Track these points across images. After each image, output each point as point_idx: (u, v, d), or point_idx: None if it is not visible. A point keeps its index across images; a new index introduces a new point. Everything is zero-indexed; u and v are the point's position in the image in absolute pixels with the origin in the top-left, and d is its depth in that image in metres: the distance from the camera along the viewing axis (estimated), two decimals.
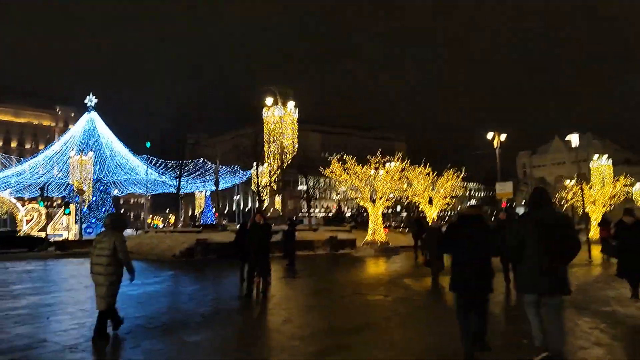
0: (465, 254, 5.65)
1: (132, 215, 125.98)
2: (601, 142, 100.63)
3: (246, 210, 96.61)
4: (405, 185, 25.76)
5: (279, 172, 34.80)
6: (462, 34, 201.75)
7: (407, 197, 27.55)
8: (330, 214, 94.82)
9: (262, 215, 10.14)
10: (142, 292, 11.71)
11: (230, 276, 15.05)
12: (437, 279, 12.19)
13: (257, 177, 32.66)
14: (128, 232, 57.33)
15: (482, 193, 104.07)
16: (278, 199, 72.84)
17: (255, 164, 32.43)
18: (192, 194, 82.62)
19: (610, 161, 58.78)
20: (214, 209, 75.90)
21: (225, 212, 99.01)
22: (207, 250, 20.66)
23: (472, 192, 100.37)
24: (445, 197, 30.50)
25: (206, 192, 73.05)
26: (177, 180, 55.32)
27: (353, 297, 10.28)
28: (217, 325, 7.96)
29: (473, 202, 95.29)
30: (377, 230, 23.61)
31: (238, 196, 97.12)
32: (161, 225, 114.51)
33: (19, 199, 56.02)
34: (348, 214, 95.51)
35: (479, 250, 5.61)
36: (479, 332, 5.64)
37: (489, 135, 41.92)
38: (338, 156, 24.02)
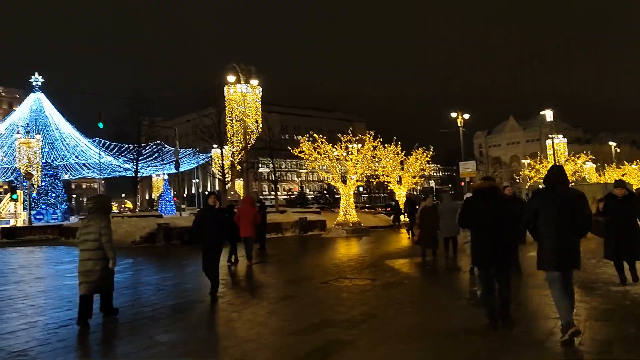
0: (482, 228, 5.64)
1: (84, 200, 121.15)
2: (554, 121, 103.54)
3: (206, 193, 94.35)
4: (375, 165, 25.18)
5: (242, 153, 33.47)
6: None
7: (377, 177, 26.94)
8: (292, 196, 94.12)
9: (216, 198, 9.18)
10: None
11: (198, 263, 14.04)
12: (432, 259, 12.08)
13: (222, 158, 31.22)
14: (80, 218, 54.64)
15: (441, 173, 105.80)
16: (239, 181, 71.37)
17: (218, 145, 31.02)
18: (149, 178, 79.92)
19: (565, 140, 60.86)
20: (172, 193, 73.64)
21: (184, 195, 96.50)
22: (169, 235, 19.43)
23: (432, 172, 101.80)
24: (414, 177, 30.20)
25: (164, 175, 70.65)
26: (134, 163, 53.00)
27: (339, 282, 9.48)
28: (192, 321, 7.02)
29: (432, 182, 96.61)
30: (348, 211, 22.93)
31: (197, 180, 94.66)
32: (116, 211, 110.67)
33: None
34: (310, 196, 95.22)
35: (495, 223, 5.54)
36: (502, 307, 5.58)
37: (453, 114, 42.06)
38: (307, 135, 23.11)
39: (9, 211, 42.78)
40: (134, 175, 45.61)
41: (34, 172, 47.49)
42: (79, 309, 6.48)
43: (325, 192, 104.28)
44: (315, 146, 22.76)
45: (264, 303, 7.96)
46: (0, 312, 7.69)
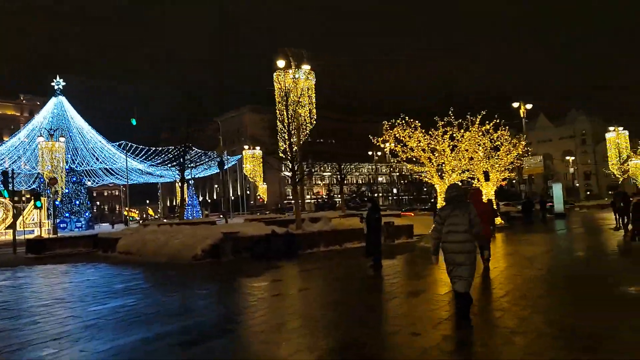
0: None
1: (106, 207, 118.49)
2: (588, 117, 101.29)
3: (233, 198, 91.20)
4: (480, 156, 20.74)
5: (295, 149, 29.09)
6: None
7: (467, 170, 22.41)
8: (319, 200, 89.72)
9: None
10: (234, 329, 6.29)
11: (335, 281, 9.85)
12: None
13: (290, 152, 26.96)
14: (104, 227, 50.84)
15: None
16: (263, 185, 66.94)
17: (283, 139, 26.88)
18: (172, 183, 76.96)
19: (627, 132, 57.74)
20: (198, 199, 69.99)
21: (201, 201, 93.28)
22: (237, 248, 15.27)
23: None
24: (504, 171, 25.58)
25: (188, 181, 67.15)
26: (175, 167, 49.21)
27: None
28: None
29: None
30: None
31: (217, 186, 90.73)
32: (137, 218, 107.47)
33: None
34: (339, 199, 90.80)
35: None
36: None
37: (515, 104, 38.15)
38: (397, 120, 18.85)
39: (32, 220, 39.42)
40: (180, 180, 41.02)
41: (57, 178, 44.07)
42: (458, 305, 6.14)
43: (354, 195, 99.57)
44: (406, 134, 18.48)
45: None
46: None
